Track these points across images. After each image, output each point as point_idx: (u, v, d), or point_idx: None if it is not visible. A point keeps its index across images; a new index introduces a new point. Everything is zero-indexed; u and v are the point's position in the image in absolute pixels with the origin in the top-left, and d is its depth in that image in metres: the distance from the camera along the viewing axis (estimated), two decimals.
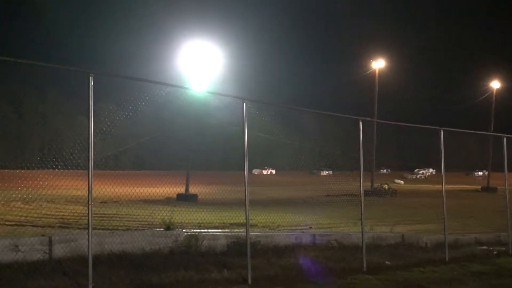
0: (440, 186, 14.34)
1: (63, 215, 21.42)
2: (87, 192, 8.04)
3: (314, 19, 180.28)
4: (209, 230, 14.88)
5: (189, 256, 10.78)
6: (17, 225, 17.39)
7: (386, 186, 51.88)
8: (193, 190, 36.42)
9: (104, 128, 9.81)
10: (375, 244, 13.98)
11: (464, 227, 21.29)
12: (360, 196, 12.24)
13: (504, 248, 15.51)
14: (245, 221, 10.05)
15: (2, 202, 17.62)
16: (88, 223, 8.09)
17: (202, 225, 18.06)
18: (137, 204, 24.29)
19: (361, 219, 12.16)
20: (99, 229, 15.88)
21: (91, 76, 8.06)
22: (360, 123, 12.24)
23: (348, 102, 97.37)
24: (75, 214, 19.34)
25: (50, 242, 9.80)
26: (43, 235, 10.35)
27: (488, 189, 59.12)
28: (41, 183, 11.74)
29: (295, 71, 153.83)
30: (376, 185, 52.08)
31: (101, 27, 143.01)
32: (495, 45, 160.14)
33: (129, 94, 10.40)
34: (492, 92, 70.19)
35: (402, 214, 28.23)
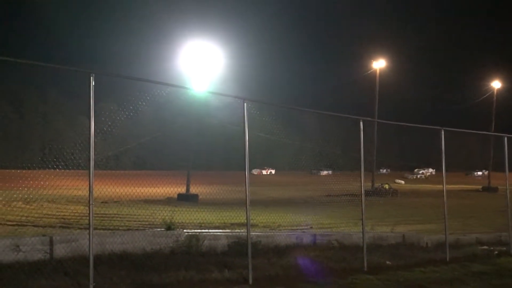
0: (441, 186, 14.34)
1: (64, 215, 21.43)
2: (88, 192, 8.04)
3: (314, 19, 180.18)
4: (210, 230, 14.88)
5: (190, 256, 10.78)
6: (18, 225, 17.40)
7: (386, 186, 51.89)
8: (194, 190, 36.47)
9: (105, 128, 9.82)
10: (376, 244, 13.98)
11: (465, 227, 21.31)
12: (361, 196, 12.24)
13: (505, 248, 15.50)
14: (245, 221, 10.05)
15: (3, 202, 17.65)
16: (89, 223, 8.09)
17: (203, 225, 18.07)
18: (138, 204, 24.29)
19: (362, 219, 12.16)
20: (100, 229, 15.89)
21: (92, 76, 8.07)
22: (361, 123, 12.24)
23: (348, 102, 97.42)
24: (76, 214, 19.35)
25: (51, 242, 9.81)
26: (44, 235, 10.36)
27: (489, 189, 59.15)
28: (42, 183, 11.74)
29: (295, 71, 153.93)
30: (377, 185, 52.10)
31: (102, 27, 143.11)
32: (496, 45, 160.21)
33: (130, 94, 10.40)
34: (493, 92, 70.16)
35: (403, 214, 28.23)
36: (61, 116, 71.05)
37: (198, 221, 18.18)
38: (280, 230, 17.50)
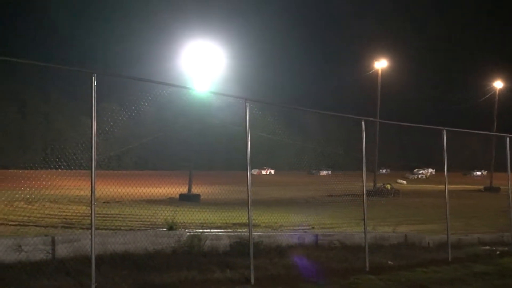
0: (442, 186, 14.33)
1: (66, 215, 21.45)
2: (90, 192, 8.04)
3: (316, 19, 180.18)
4: (211, 230, 14.90)
5: (192, 256, 10.78)
6: (20, 225, 17.43)
7: (388, 186, 51.84)
8: (195, 190, 36.48)
9: (107, 128, 9.83)
10: (377, 244, 13.96)
11: (467, 227, 21.29)
12: (363, 196, 12.24)
13: (507, 248, 15.48)
14: (247, 221, 10.05)
15: (6, 202, 17.68)
16: (91, 223, 8.10)
17: (204, 225, 18.07)
18: (139, 204, 24.32)
19: (364, 219, 12.16)
20: (102, 229, 15.90)
21: (94, 76, 8.07)
22: (363, 123, 12.23)
23: (350, 102, 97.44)
24: (78, 214, 19.37)
25: (53, 242, 9.82)
26: (46, 235, 10.37)
27: (491, 189, 59.05)
28: (44, 183, 11.77)
29: (297, 71, 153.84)
30: (378, 185, 52.06)
31: (104, 27, 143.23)
32: (498, 45, 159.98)
33: (131, 94, 10.42)
34: (495, 92, 70.06)
35: (404, 214, 28.21)
36: (63, 116, 71.16)
37: (200, 221, 18.19)
38: (282, 230, 17.49)
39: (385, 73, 62.95)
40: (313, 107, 19.48)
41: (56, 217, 21.12)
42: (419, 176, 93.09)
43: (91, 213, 8.09)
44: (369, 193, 16.47)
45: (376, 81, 60.93)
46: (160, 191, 26.38)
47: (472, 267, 12.54)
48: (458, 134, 16.48)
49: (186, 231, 12.25)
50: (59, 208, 23.49)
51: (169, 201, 30.55)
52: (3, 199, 15.70)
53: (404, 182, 77.81)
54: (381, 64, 61.35)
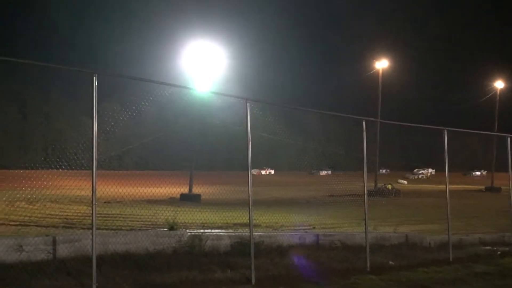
0: (443, 186, 14.32)
1: (67, 215, 21.47)
2: (91, 192, 8.04)
3: (317, 19, 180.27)
4: (212, 230, 14.90)
5: (193, 256, 10.78)
6: (21, 225, 17.43)
7: (389, 186, 51.82)
8: (196, 190, 36.49)
9: (108, 128, 9.83)
10: (378, 244, 13.96)
11: (468, 227, 21.27)
12: (364, 196, 12.23)
13: (508, 249, 15.47)
14: (248, 221, 10.05)
15: (7, 202, 17.68)
16: (92, 223, 8.10)
17: (205, 225, 18.07)
18: (140, 204, 24.34)
19: (365, 219, 12.15)
20: (103, 229, 15.91)
21: (95, 76, 8.07)
22: (364, 123, 12.23)
23: (351, 102, 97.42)
24: (79, 214, 19.38)
25: (54, 242, 9.83)
26: (47, 235, 10.37)
27: (492, 189, 59.01)
28: (45, 183, 11.78)
29: (298, 71, 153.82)
30: (379, 185, 52.05)
31: (105, 27, 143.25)
32: (499, 45, 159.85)
33: (132, 94, 10.42)
34: (496, 92, 70.01)
35: (405, 214, 28.20)
36: (63, 116, 71.22)
37: (200, 221, 18.19)
38: (283, 230, 17.49)
39: (385, 73, 62.93)
40: (314, 107, 19.49)
41: (57, 217, 21.13)
42: (420, 176, 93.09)
43: (92, 213, 8.10)
44: (370, 193, 16.48)
45: (376, 81, 60.89)
46: (161, 191, 26.36)
47: (473, 267, 12.53)
48: (458, 134, 16.46)
49: (187, 231, 12.25)
50: (60, 208, 23.50)
51: (170, 201, 30.56)
52: (4, 199, 15.70)
53: (405, 182, 77.78)
54: (382, 64, 61.31)
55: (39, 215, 20.09)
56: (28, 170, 11.63)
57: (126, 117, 10.27)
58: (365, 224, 12.16)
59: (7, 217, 18.25)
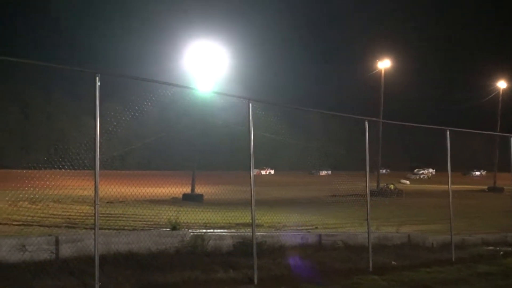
0: (445, 186, 14.32)
1: (70, 215, 21.49)
2: (94, 192, 8.06)
3: (319, 19, 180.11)
4: (215, 230, 14.89)
5: (195, 256, 10.79)
6: (24, 225, 17.45)
7: (392, 186, 51.83)
8: (198, 190, 36.49)
9: (110, 129, 9.83)
10: (381, 244, 13.96)
11: (471, 227, 21.22)
12: (366, 196, 12.23)
13: (510, 249, 15.47)
14: (251, 221, 10.05)
15: (10, 202, 17.68)
16: (94, 223, 8.12)
17: (208, 225, 18.07)
18: (143, 204, 24.35)
19: (367, 219, 12.15)
20: (105, 229, 15.92)
21: (97, 76, 8.09)
22: (366, 123, 12.22)
23: (352, 102, 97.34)
24: (82, 214, 19.40)
25: (57, 242, 9.85)
26: (50, 235, 10.40)
27: (494, 189, 58.93)
28: (47, 183, 11.78)
29: (300, 71, 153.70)
30: (382, 185, 52.03)
31: (107, 27, 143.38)
32: (502, 45, 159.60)
33: (134, 94, 10.42)
34: (498, 92, 69.91)
35: (408, 214, 28.18)
36: (65, 116, 71.25)
37: (203, 221, 18.19)
38: (285, 230, 17.48)
39: (387, 73, 62.90)
40: (316, 107, 19.43)
41: (60, 217, 21.16)
42: (421, 176, 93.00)
43: (94, 213, 8.11)
44: (373, 193, 16.48)
45: (378, 81, 60.88)
46: (163, 191, 26.38)
47: (475, 268, 12.52)
48: (460, 134, 16.45)
49: (190, 231, 12.26)
50: (63, 208, 23.52)
51: (172, 201, 30.56)
52: (7, 199, 15.69)
53: (408, 182, 77.76)
54: (384, 64, 61.29)
55: (42, 215, 20.11)
56: (31, 170, 11.63)
57: (129, 117, 10.27)
58: (367, 224, 12.16)
59: (10, 217, 18.25)
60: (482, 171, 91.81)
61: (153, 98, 10.07)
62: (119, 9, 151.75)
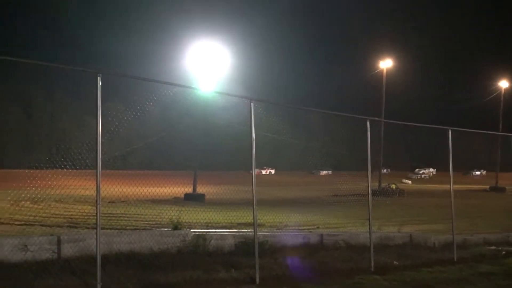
0: (447, 186, 14.31)
1: (72, 214, 21.52)
2: (96, 191, 8.07)
3: (320, 19, 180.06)
4: (216, 230, 14.90)
5: (197, 255, 10.80)
6: (26, 224, 17.49)
7: (393, 186, 51.78)
8: (200, 190, 36.52)
9: (112, 128, 9.84)
10: (382, 244, 13.95)
11: (472, 227, 21.21)
12: (368, 196, 12.22)
13: None
14: (252, 221, 10.05)
15: (12, 201, 17.70)
16: (96, 223, 8.12)
17: (209, 225, 18.08)
18: (145, 204, 24.34)
19: (369, 219, 12.15)
20: (107, 228, 15.94)
21: (99, 76, 8.09)
22: (368, 123, 12.22)
23: (353, 102, 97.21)
24: (84, 214, 19.43)
25: (59, 242, 9.86)
26: (51, 235, 10.42)
27: (496, 189, 58.88)
28: (49, 182, 11.79)
29: (302, 71, 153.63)
30: (383, 185, 52.00)
31: (109, 27, 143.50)
32: (504, 45, 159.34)
33: (136, 94, 10.43)
34: (500, 92, 69.82)
35: (409, 214, 28.15)
36: (67, 116, 71.27)
37: (205, 221, 18.20)
38: (287, 230, 17.48)
39: (389, 73, 62.86)
40: (317, 107, 19.45)
41: (62, 216, 21.17)
42: (422, 176, 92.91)
43: (96, 213, 8.12)
44: (374, 193, 16.47)
45: (379, 81, 60.86)
46: (165, 190, 26.38)
47: (477, 267, 12.51)
48: (462, 134, 16.44)
49: (191, 230, 12.26)
50: (65, 207, 23.54)
51: (174, 201, 30.56)
52: (9, 198, 15.72)
53: (409, 182, 77.71)
54: (386, 63, 61.26)
55: (43, 215, 20.12)
56: (33, 170, 11.65)
57: (130, 117, 10.28)
58: (369, 224, 12.16)
59: (12, 216, 18.29)
60: (482, 170, 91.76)
61: (155, 98, 10.07)
62: (121, 9, 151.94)
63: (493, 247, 15.86)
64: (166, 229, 12.50)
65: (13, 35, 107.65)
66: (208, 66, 41.64)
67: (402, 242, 14.94)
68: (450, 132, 13.98)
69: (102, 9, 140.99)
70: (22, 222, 17.95)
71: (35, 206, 20.41)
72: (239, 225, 18.18)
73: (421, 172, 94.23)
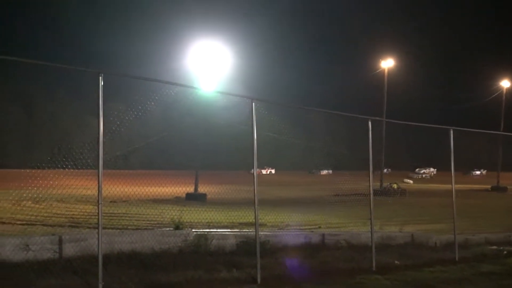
0: (449, 185, 14.30)
1: (73, 214, 21.52)
2: (97, 191, 8.07)
3: (321, 19, 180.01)
4: (218, 230, 14.89)
5: (199, 255, 10.80)
6: (28, 224, 17.48)
7: (395, 186, 51.71)
8: (202, 189, 36.53)
9: (114, 128, 9.84)
10: (384, 243, 13.95)
11: (474, 227, 21.19)
12: (369, 196, 12.22)
13: None
14: (254, 220, 10.05)
15: (13, 201, 17.72)
16: (98, 222, 8.12)
17: (211, 224, 18.07)
18: (146, 204, 24.36)
19: (371, 219, 12.14)
20: (109, 228, 15.94)
21: (101, 76, 8.09)
22: (370, 123, 12.21)
23: (355, 101, 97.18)
24: (85, 214, 19.43)
25: (60, 241, 9.87)
26: (53, 234, 10.42)
27: (498, 189, 58.80)
28: (51, 182, 11.79)
29: (303, 71, 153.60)
30: (385, 184, 51.97)
31: (110, 27, 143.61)
32: (505, 44, 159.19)
33: (138, 94, 10.44)
34: (502, 91, 69.73)
35: (411, 214, 28.11)
36: (68, 116, 71.30)
37: (206, 221, 18.21)
38: (288, 229, 17.48)
39: (390, 73, 62.81)
40: (319, 106, 19.50)
41: (63, 216, 21.17)
42: (423, 175, 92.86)
43: (98, 212, 8.12)
44: (376, 193, 16.44)
45: (380, 81, 60.82)
46: (167, 190, 26.43)
47: (479, 267, 12.50)
48: (462, 133, 16.43)
49: (193, 230, 12.27)
50: (66, 207, 23.56)
51: (175, 201, 30.59)
52: (10, 198, 15.76)
53: (411, 181, 77.62)
54: (387, 63, 61.23)
55: (45, 214, 20.13)
56: (34, 170, 11.65)
57: (132, 117, 10.28)
58: (371, 223, 12.15)
59: (13, 216, 18.30)
60: (482, 170, 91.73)
61: (156, 98, 10.08)
62: (123, 8, 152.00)
63: (494, 247, 15.84)
64: (168, 228, 12.50)
65: (14, 35, 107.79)
66: (209, 65, 41.62)
67: (404, 242, 14.93)
68: (451, 132, 13.97)
69: (104, 9, 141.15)
70: (24, 222, 17.95)
71: (37, 205, 20.45)
72: (241, 225, 18.17)
73: (422, 171, 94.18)
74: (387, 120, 30.47)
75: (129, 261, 9.80)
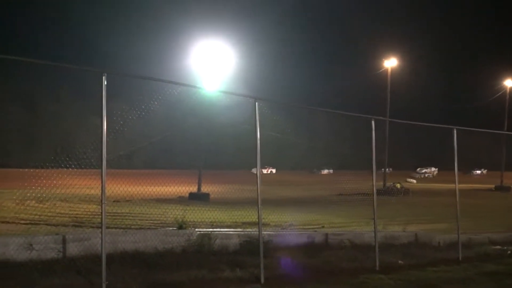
0: (452, 185, 14.28)
1: (77, 214, 21.55)
2: (100, 191, 8.08)
3: (325, 18, 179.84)
4: (221, 229, 14.90)
5: (202, 255, 10.81)
6: (31, 223, 17.51)
7: (398, 185, 51.66)
8: (205, 189, 36.53)
9: (117, 128, 9.85)
10: (387, 243, 13.94)
11: (477, 226, 21.14)
12: (373, 195, 12.21)
13: None
14: (257, 220, 10.06)
15: (17, 201, 17.77)
16: (101, 222, 8.14)
17: (214, 224, 18.08)
18: (149, 203, 24.38)
19: (374, 218, 12.13)
20: (112, 228, 15.95)
21: (104, 75, 8.10)
22: (373, 122, 12.20)
23: (358, 101, 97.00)
24: (89, 213, 19.46)
25: (64, 241, 9.89)
26: (57, 234, 10.44)
27: (501, 188, 58.69)
28: (54, 182, 11.82)
29: (306, 71, 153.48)
30: (388, 184, 51.92)
31: (113, 27, 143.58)
32: (508, 44, 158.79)
33: (141, 93, 10.45)
34: (506, 91, 69.59)
35: (414, 213, 28.09)
36: (71, 115, 71.38)
37: (209, 220, 18.21)
38: (292, 229, 17.47)
39: (393, 72, 62.74)
40: (321, 106, 19.48)
41: (67, 216, 21.21)
42: (426, 175, 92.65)
43: (101, 212, 8.14)
44: (379, 192, 16.44)
45: (383, 81, 60.81)
46: (170, 190, 26.37)
47: (482, 267, 12.48)
48: (466, 133, 16.39)
49: (196, 230, 12.27)
50: (70, 207, 23.59)
51: (178, 200, 30.59)
52: (14, 198, 15.80)
53: (414, 181, 77.49)
54: (391, 62, 61.19)
55: (49, 214, 20.18)
56: (38, 169, 11.67)
57: (135, 117, 10.29)
58: (374, 223, 12.14)
59: (17, 215, 18.34)
60: (483, 170, 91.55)
61: (159, 97, 10.08)
62: (126, 8, 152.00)
63: (498, 247, 15.81)
64: (171, 228, 12.51)
65: (17, 34, 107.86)
66: (212, 65, 41.66)
67: (407, 241, 14.92)
68: (455, 131, 13.95)
69: (107, 9, 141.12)
70: (27, 221, 17.98)
71: (40, 205, 20.49)
72: (244, 224, 18.18)
73: (423, 171, 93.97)
74: (390, 119, 30.47)
75: (132, 260, 9.82)
